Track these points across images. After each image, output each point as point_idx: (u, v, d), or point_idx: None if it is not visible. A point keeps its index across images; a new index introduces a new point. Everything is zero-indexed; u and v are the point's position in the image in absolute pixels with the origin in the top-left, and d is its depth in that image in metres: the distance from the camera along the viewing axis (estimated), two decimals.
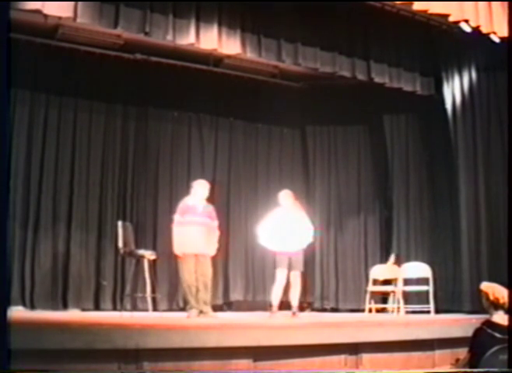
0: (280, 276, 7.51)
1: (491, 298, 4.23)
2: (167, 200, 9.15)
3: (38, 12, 6.61)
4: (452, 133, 8.91)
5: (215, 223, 7.16)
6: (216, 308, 9.29)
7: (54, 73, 8.66)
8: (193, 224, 6.91)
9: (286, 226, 7.54)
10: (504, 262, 7.55)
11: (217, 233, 7.17)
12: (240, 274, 9.84)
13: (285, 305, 9.81)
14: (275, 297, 7.62)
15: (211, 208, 7.17)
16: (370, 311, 8.77)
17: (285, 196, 7.73)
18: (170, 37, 7.23)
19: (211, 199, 9.67)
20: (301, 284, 7.72)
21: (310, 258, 9.92)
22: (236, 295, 9.74)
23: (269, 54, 7.91)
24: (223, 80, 9.62)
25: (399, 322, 7.59)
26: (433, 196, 9.66)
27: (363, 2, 8.01)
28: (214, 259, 9.50)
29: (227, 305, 9.65)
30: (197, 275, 6.84)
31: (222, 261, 9.69)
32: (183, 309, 7.08)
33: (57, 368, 4.42)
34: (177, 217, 7.02)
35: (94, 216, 8.87)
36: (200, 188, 7.14)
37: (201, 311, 6.81)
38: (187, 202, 7.09)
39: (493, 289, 4.28)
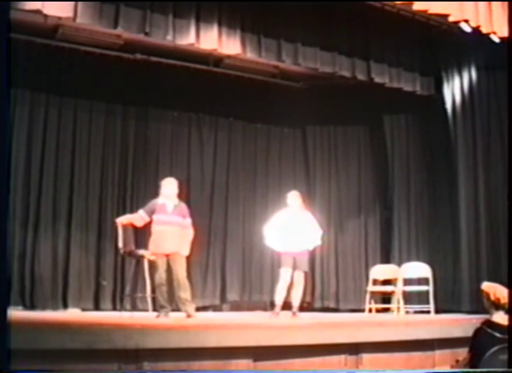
0: (284, 275, 7.49)
1: (492, 297, 4.23)
2: None
3: (38, 12, 6.61)
4: (452, 133, 8.92)
5: (188, 221, 6.97)
6: (214, 308, 9.34)
7: (54, 73, 8.66)
8: (163, 224, 6.80)
9: (293, 227, 7.54)
10: (504, 262, 7.57)
11: (190, 231, 6.97)
12: (237, 274, 9.84)
13: (285, 305, 9.84)
14: (279, 296, 7.58)
15: (182, 206, 7.00)
16: (370, 311, 8.77)
17: (293, 197, 7.72)
18: (170, 37, 7.23)
19: (211, 198, 9.76)
20: (304, 284, 7.72)
21: (310, 258, 9.95)
22: (233, 295, 9.74)
23: (269, 54, 7.91)
24: (223, 80, 9.62)
25: (399, 322, 7.58)
26: (433, 196, 9.66)
27: (363, 2, 8.01)
28: (213, 258, 9.58)
29: (224, 305, 9.65)
30: (171, 274, 6.74)
31: (219, 261, 9.71)
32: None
33: (57, 368, 4.42)
34: (140, 212, 6.97)
35: (94, 216, 8.87)
36: (167, 186, 6.98)
37: (176, 310, 6.77)
38: (156, 202, 6.97)
39: (494, 289, 4.27)
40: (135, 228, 7.28)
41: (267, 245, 7.78)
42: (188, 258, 7.08)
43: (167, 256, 6.78)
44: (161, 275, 6.77)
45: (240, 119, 10.19)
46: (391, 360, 6.06)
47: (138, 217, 7.03)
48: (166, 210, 6.88)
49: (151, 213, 6.91)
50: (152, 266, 6.97)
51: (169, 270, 6.80)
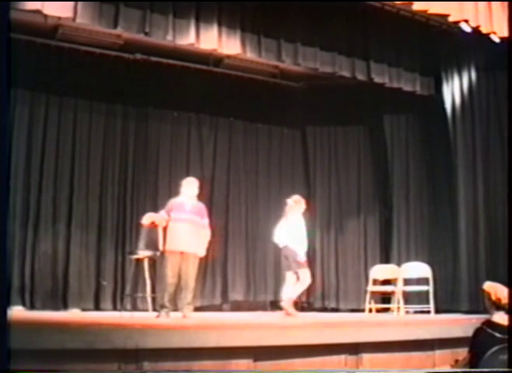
0: (291, 277, 7.62)
1: (493, 298, 4.23)
2: (167, 200, 9.10)
3: (38, 12, 6.61)
4: (451, 133, 8.92)
5: (205, 221, 6.99)
6: (215, 308, 9.35)
7: (54, 73, 8.67)
8: (180, 221, 6.78)
9: (301, 230, 7.74)
10: (502, 261, 7.57)
11: (207, 231, 6.98)
12: (239, 274, 9.83)
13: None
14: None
15: (201, 206, 7.02)
16: (370, 311, 8.77)
17: (298, 203, 7.86)
18: (170, 37, 7.23)
19: (210, 198, 9.76)
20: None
21: (310, 258, 9.96)
22: (236, 295, 9.73)
23: (269, 54, 7.91)
24: (223, 80, 9.62)
25: (399, 322, 7.59)
26: (432, 196, 9.66)
27: (363, 2, 8.01)
28: (213, 258, 9.59)
29: (224, 305, 9.65)
30: (180, 274, 6.70)
31: (220, 261, 9.71)
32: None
33: (57, 368, 4.42)
34: (161, 213, 6.93)
35: (94, 216, 8.87)
36: (188, 186, 7.01)
37: (174, 310, 6.74)
38: (175, 200, 6.99)
39: (496, 289, 4.28)
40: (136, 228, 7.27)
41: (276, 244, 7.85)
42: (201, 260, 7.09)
43: (182, 253, 6.72)
44: (174, 274, 6.68)
45: (240, 119, 10.19)
46: (390, 360, 6.06)
47: (160, 218, 6.94)
48: (184, 209, 6.86)
49: (169, 212, 6.88)
50: (164, 263, 6.87)
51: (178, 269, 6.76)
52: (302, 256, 7.58)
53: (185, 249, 6.73)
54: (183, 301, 6.74)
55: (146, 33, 7.13)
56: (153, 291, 7.57)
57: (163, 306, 6.71)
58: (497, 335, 4.05)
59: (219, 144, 10.01)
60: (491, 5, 7.41)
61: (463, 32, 7.73)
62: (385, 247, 10.01)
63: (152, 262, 7.48)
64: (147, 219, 6.96)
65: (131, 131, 9.36)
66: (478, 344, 4.14)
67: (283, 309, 7.63)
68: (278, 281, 10.03)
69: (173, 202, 6.97)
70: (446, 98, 9.01)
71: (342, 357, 5.85)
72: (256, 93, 9.98)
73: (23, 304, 8.13)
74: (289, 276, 7.63)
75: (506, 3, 7.28)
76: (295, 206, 7.82)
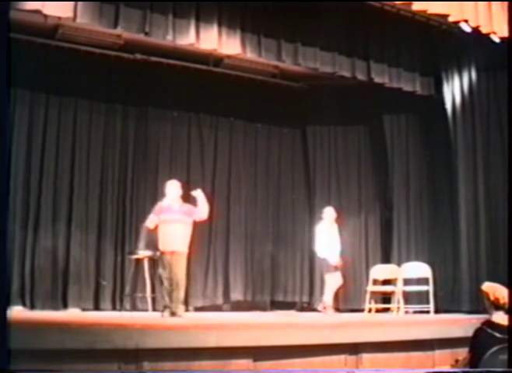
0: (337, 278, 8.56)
1: (491, 298, 4.23)
2: None
3: (38, 12, 6.61)
4: (452, 133, 8.92)
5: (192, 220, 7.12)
6: (216, 308, 9.35)
7: (54, 73, 8.65)
8: (171, 223, 6.90)
9: (334, 238, 8.78)
10: (503, 262, 7.57)
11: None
12: (240, 274, 9.83)
13: (286, 306, 9.84)
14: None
15: (188, 206, 7.13)
16: (370, 311, 8.77)
17: (331, 213, 8.83)
18: (170, 37, 7.24)
19: (211, 198, 9.75)
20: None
21: (311, 258, 9.98)
22: (237, 295, 9.73)
23: (269, 54, 7.92)
24: (223, 80, 9.62)
25: (399, 322, 7.59)
26: (433, 196, 9.66)
27: (363, 2, 8.01)
28: (215, 258, 9.59)
29: (225, 305, 9.65)
30: (172, 273, 6.80)
31: (221, 261, 9.70)
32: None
33: (57, 368, 4.42)
34: (151, 216, 7.02)
35: (94, 216, 8.86)
36: (172, 188, 7.11)
37: (172, 313, 6.77)
38: (162, 203, 7.10)
39: (494, 289, 4.28)
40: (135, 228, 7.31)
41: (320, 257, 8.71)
42: (189, 258, 7.10)
43: (172, 253, 6.82)
44: (167, 274, 6.81)
45: (240, 119, 10.19)
46: (390, 360, 6.07)
47: (150, 221, 7.05)
48: (174, 210, 6.98)
49: (159, 214, 6.99)
50: (159, 264, 6.95)
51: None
52: (334, 261, 8.52)
53: (177, 249, 6.86)
54: (176, 300, 6.79)
55: (146, 33, 7.14)
56: (153, 291, 7.57)
57: (166, 307, 6.78)
58: (497, 335, 4.05)
59: (219, 144, 10.01)
60: (491, 5, 7.41)
61: (463, 32, 7.74)
62: (385, 247, 10.01)
63: (152, 262, 7.48)
64: (151, 223, 7.02)
65: (131, 131, 9.36)
66: (478, 344, 4.14)
67: (322, 308, 8.40)
68: (278, 281, 10.07)
69: (161, 205, 7.08)
70: (446, 98, 9.01)
71: (342, 357, 5.85)
72: (256, 93, 9.98)
73: (23, 304, 8.12)
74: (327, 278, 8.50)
75: (506, 3, 7.28)
76: (327, 217, 8.70)
